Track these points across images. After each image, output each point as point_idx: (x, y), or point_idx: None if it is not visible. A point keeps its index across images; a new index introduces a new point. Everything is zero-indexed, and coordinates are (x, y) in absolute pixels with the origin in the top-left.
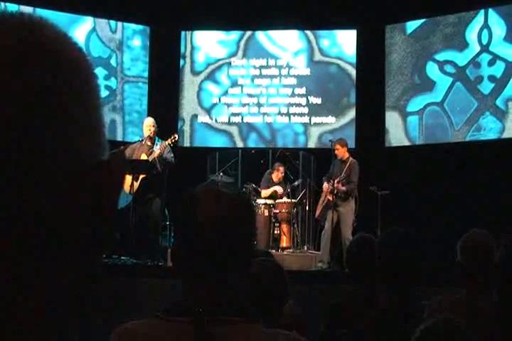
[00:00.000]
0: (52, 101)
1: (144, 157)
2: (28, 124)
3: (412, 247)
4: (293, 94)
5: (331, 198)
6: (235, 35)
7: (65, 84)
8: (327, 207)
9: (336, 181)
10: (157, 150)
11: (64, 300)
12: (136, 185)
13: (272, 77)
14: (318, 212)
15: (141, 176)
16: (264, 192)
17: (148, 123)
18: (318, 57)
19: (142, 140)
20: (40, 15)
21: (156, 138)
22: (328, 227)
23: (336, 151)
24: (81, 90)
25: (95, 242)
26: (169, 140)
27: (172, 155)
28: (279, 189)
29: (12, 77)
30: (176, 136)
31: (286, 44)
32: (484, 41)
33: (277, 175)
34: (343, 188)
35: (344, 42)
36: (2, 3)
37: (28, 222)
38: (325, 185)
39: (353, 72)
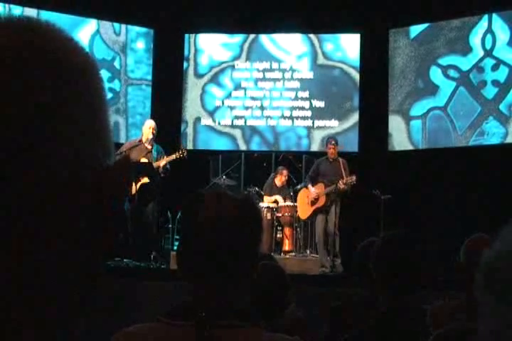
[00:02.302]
0: (52, 101)
1: (144, 160)
2: (28, 124)
3: (412, 248)
4: (296, 98)
5: (322, 203)
6: (238, 38)
7: (66, 85)
8: (319, 211)
9: (341, 182)
10: (162, 161)
11: (64, 300)
12: (135, 188)
13: (275, 80)
14: (307, 214)
15: (142, 181)
16: (266, 199)
17: (151, 125)
18: (321, 60)
19: (141, 140)
20: (47, 20)
21: (154, 143)
22: (320, 231)
23: (333, 150)
24: (83, 91)
25: (96, 242)
26: (177, 154)
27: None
28: (279, 199)
29: (12, 77)
30: (185, 150)
31: (289, 47)
32: (488, 46)
33: (281, 178)
34: (345, 187)
35: (348, 46)
36: (7, 5)
37: (28, 222)
38: (314, 191)
39: (356, 75)
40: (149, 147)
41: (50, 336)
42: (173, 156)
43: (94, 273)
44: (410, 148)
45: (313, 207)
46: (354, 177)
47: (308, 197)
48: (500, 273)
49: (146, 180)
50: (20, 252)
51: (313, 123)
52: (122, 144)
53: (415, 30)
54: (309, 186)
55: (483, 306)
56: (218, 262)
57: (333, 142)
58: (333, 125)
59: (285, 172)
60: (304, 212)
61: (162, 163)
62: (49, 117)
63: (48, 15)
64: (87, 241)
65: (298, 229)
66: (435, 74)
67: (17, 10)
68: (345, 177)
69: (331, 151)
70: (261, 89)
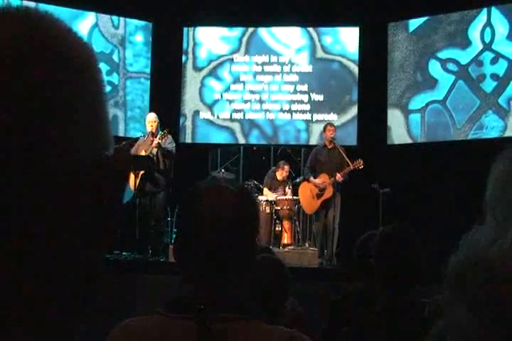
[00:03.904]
0: (52, 101)
1: (143, 153)
2: (28, 124)
3: (412, 247)
4: (295, 91)
5: (331, 194)
6: (237, 31)
7: (67, 84)
8: (326, 205)
9: (344, 172)
10: (152, 148)
11: (64, 300)
12: (137, 181)
13: (274, 73)
14: (315, 208)
15: (141, 172)
16: (265, 191)
17: (150, 119)
18: (320, 54)
19: (144, 136)
20: (46, 10)
21: (160, 132)
22: (320, 224)
23: (333, 132)
24: (84, 89)
25: (96, 242)
26: (159, 136)
27: (174, 145)
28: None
29: (12, 76)
30: (165, 131)
31: (288, 41)
32: (487, 39)
33: (282, 173)
34: (342, 179)
35: (347, 40)
36: None
37: (28, 222)
38: (319, 182)
39: (355, 69)
40: (152, 139)
41: (50, 336)
42: (157, 141)
43: (94, 272)
44: (409, 141)
45: (321, 200)
46: (361, 161)
47: (311, 191)
48: (464, 278)
49: (142, 172)
50: (20, 252)
51: (312, 116)
52: (121, 137)
53: (414, 23)
54: (311, 179)
55: (448, 302)
56: (218, 262)
57: (332, 125)
58: (332, 118)
59: (286, 167)
60: (310, 206)
61: (148, 150)
62: (49, 117)
63: (45, 8)
64: (87, 241)
65: (297, 223)
66: (434, 68)
67: (15, 2)
68: (351, 164)
69: (331, 134)
70: (260, 83)
